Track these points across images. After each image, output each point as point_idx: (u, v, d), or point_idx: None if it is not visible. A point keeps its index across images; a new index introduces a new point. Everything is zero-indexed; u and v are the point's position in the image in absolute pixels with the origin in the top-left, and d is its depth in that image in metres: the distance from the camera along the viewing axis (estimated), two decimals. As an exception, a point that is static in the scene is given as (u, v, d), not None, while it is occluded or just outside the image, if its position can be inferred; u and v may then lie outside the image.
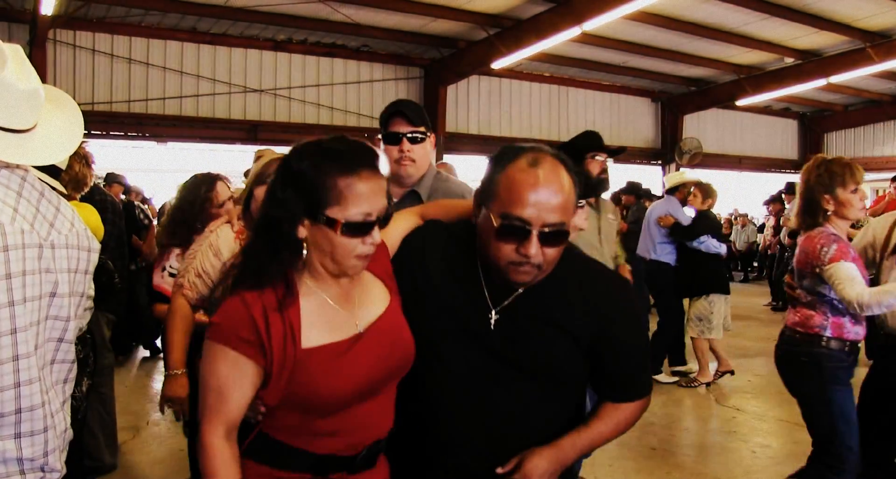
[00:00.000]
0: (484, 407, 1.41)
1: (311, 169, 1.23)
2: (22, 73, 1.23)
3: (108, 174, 6.64)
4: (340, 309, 1.32)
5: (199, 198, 3.23)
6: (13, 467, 1.20)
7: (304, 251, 1.28)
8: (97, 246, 1.43)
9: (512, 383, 1.42)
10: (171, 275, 2.76)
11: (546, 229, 1.29)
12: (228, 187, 3.19)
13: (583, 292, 1.43)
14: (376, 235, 1.27)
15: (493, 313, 1.41)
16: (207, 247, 2.29)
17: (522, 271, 1.33)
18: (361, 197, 1.22)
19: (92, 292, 1.47)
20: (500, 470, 1.38)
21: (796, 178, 15.61)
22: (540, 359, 1.41)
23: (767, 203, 10.08)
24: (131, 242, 5.59)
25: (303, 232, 1.26)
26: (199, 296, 2.27)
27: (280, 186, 1.25)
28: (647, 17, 8.34)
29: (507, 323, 1.41)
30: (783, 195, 9.25)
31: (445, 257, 1.47)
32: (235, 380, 1.24)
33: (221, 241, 2.29)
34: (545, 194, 1.28)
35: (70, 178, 2.70)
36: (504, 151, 1.37)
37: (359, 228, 1.24)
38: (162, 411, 2.36)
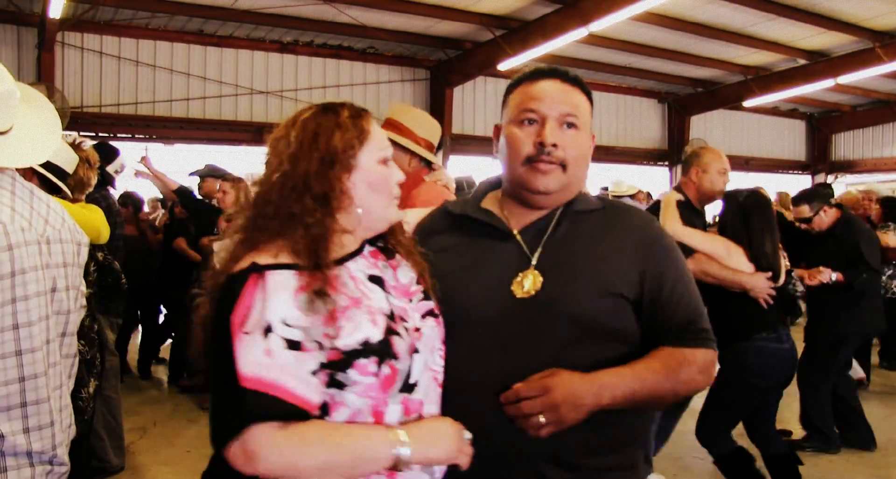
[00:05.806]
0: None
1: None
2: None
3: (206, 166, 5.50)
4: None
5: None
6: (23, 459, 1.22)
7: None
8: (87, 240, 1.46)
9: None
10: (294, 346, 1.04)
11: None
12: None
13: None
14: None
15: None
16: None
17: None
18: None
19: (83, 288, 1.49)
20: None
21: (805, 179, 15.33)
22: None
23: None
24: (200, 244, 4.94)
25: None
26: None
27: None
28: (654, 18, 8.31)
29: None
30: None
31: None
32: None
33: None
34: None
35: (75, 182, 2.74)
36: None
37: None
38: None
